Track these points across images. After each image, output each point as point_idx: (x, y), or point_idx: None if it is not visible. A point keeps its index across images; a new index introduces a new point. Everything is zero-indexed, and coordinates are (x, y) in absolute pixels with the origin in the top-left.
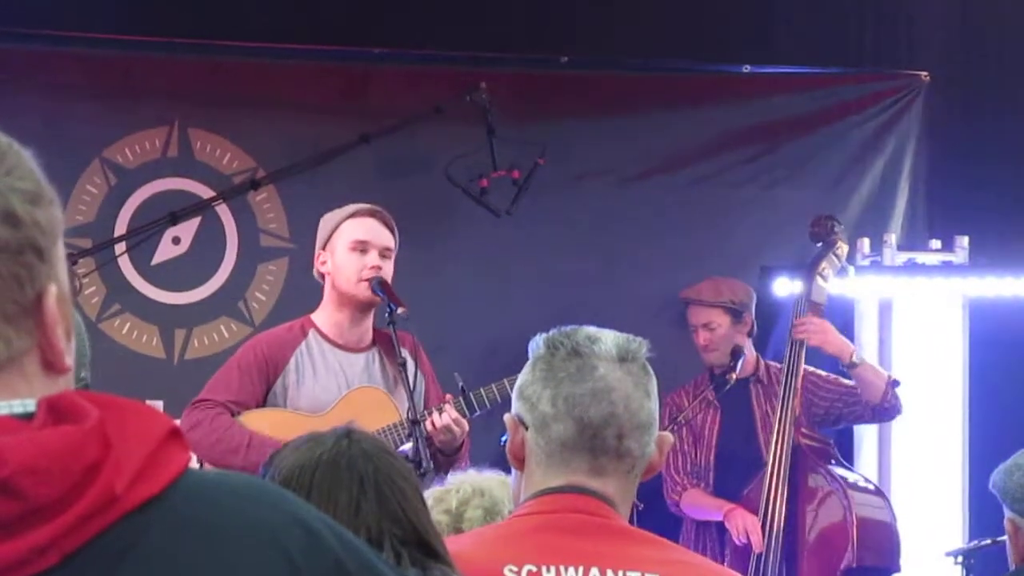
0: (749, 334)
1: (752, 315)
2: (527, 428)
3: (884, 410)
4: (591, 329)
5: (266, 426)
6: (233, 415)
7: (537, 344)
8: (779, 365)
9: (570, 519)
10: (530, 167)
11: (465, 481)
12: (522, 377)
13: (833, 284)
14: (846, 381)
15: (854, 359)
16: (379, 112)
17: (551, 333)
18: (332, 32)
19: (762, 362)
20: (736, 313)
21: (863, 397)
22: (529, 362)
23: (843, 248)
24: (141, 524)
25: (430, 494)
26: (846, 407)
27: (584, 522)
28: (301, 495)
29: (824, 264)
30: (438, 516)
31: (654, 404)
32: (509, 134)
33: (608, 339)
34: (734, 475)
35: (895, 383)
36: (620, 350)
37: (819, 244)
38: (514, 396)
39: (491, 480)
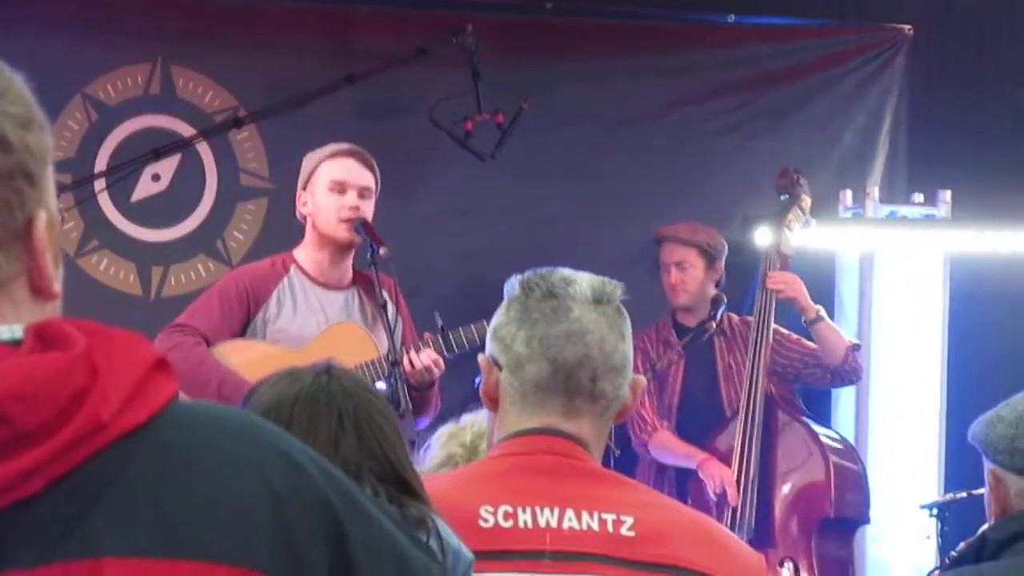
0: (716, 284)
1: (722, 266)
2: (501, 369)
3: (844, 372)
4: (566, 271)
5: (244, 359)
6: (209, 345)
7: (512, 285)
8: (742, 317)
9: (545, 461)
10: (515, 111)
11: (478, 419)
12: (497, 318)
13: (798, 237)
14: (809, 343)
15: (820, 314)
16: (363, 53)
17: (526, 275)
18: None
19: (726, 314)
20: (710, 257)
21: (823, 359)
22: (504, 303)
23: (807, 201)
24: (127, 452)
25: (444, 431)
26: (805, 368)
27: (558, 463)
28: None
29: (791, 216)
30: (453, 449)
31: (628, 347)
32: (494, 78)
33: (583, 281)
34: (696, 425)
35: (855, 347)
36: (595, 292)
37: (784, 196)
38: (488, 337)
39: None
